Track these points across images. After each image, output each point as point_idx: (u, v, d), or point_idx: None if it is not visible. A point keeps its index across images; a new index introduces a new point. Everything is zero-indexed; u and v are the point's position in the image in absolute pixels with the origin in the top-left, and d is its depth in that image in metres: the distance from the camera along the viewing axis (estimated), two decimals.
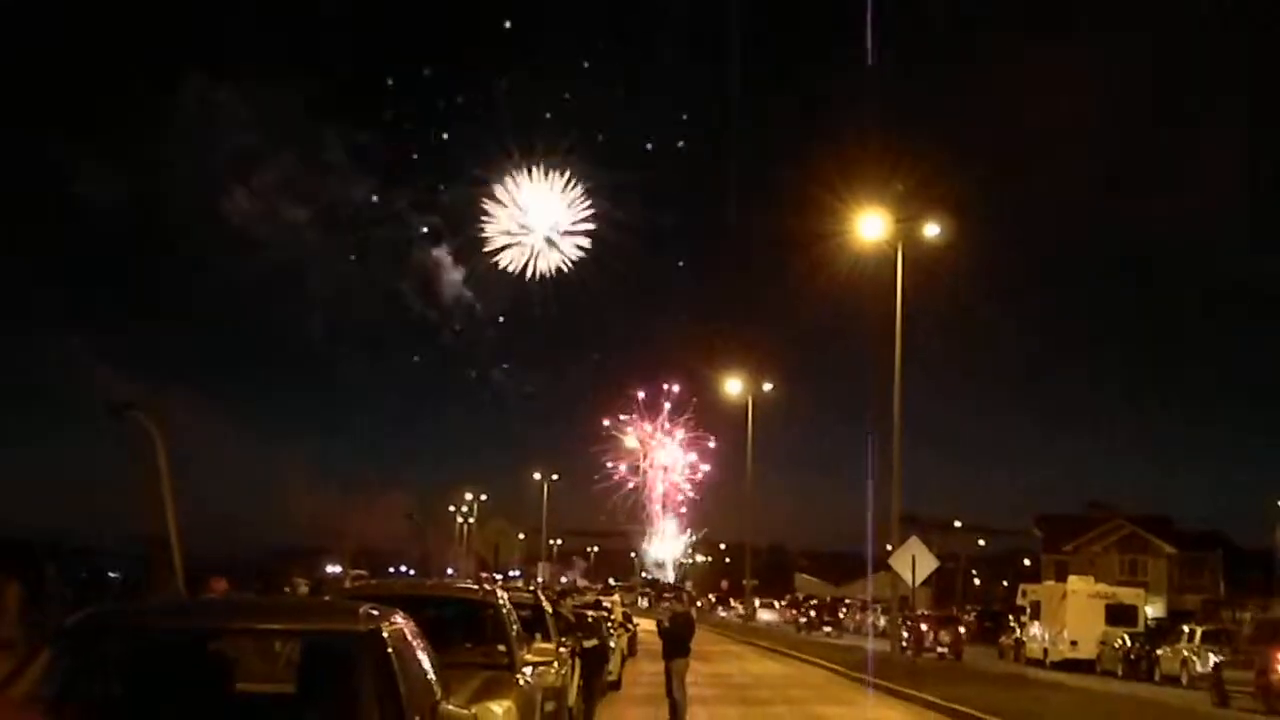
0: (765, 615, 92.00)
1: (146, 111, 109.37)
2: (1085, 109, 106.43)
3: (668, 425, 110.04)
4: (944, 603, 79.00)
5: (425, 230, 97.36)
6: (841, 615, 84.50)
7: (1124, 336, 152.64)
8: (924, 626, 50.91)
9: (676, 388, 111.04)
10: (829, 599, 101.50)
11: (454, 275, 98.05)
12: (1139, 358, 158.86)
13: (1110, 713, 26.98)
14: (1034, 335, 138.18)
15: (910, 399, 43.32)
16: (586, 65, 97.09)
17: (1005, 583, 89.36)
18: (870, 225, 42.68)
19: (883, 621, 51.96)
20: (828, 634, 74.17)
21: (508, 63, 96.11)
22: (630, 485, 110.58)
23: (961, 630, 42.35)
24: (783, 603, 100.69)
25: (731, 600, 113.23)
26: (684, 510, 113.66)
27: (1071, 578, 54.68)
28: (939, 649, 44.69)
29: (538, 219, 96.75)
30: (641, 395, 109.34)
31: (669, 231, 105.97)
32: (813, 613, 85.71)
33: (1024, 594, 53.45)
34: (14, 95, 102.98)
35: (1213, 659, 34.53)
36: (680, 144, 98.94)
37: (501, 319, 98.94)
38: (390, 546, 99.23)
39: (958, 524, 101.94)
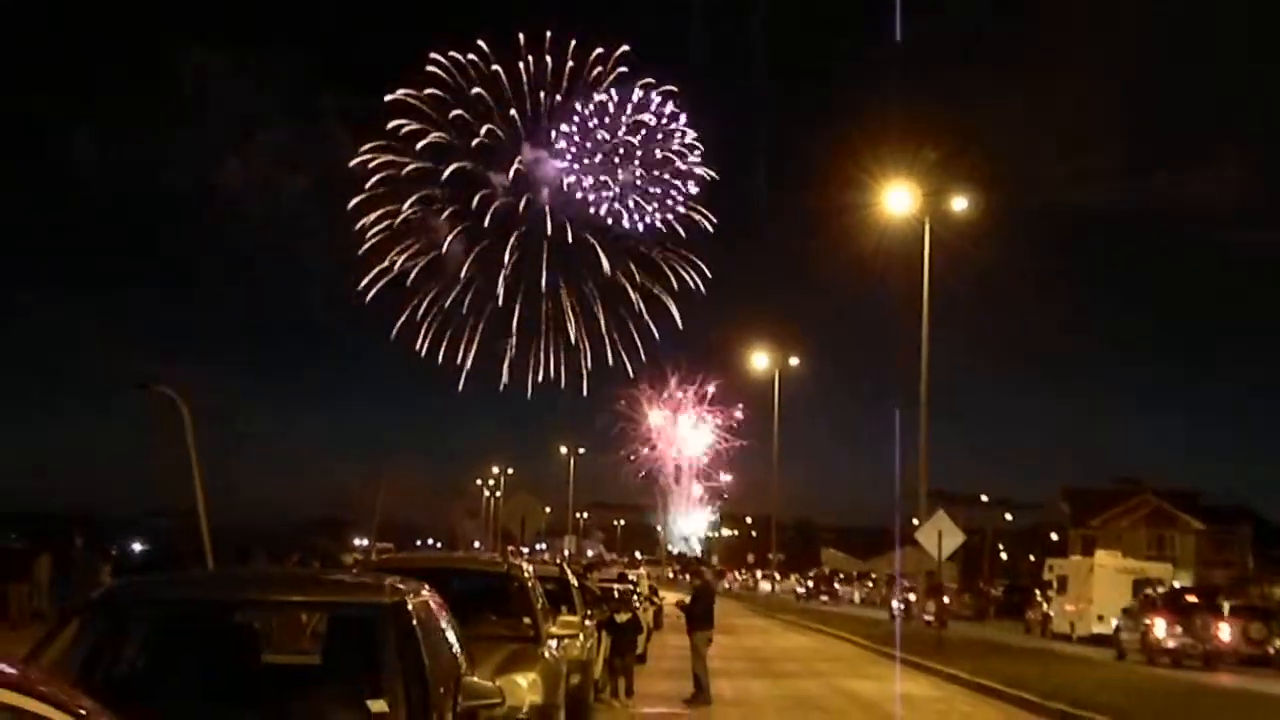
0: (765, 586, 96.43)
1: (158, 86, 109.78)
2: (1121, 71, 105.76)
3: (685, 398, 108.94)
4: (971, 577, 79.05)
5: (441, 203, 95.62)
6: (836, 586, 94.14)
7: (1153, 309, 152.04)
8: (912, 597, 51.39)
9: (696, 362, 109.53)
10: (855, 573, 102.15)
11: (460, 246, 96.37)
12: (1168, 331, 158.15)
13: (1136, 687, 26.92)
14: (1061, 308, 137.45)
15: (937, 372, 43.22)
16: (604, 40, 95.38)
17: (1032, 557, 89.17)
18: (898, 199, 42.49)
19: (912, 597, 52.23)
20: (824, 602, 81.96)
21: (524, 40, 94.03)
22: (642, 459, 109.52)
23: (946, 600, 43.15)
24: (809, 576, 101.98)
25: (733, 572, 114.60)
26: (707, 484, 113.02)
27: (1098, 552, 54.45)
28: (925, 617, 45.62)
29: (547, 187, 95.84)
30: (665, 371, 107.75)
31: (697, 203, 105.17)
32: (809, 583, 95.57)
33: (1050, 568, 53.26)
34: (13, 68, 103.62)
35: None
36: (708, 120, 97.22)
37: (527, 289, 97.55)
38: (417, 520, 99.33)
39: (984, 498, 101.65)
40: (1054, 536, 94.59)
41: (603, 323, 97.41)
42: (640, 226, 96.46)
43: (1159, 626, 37.66)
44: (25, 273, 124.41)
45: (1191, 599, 40.04)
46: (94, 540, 40.87)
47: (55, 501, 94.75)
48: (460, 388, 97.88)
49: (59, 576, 32.42)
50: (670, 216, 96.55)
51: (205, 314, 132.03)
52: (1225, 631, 37.54)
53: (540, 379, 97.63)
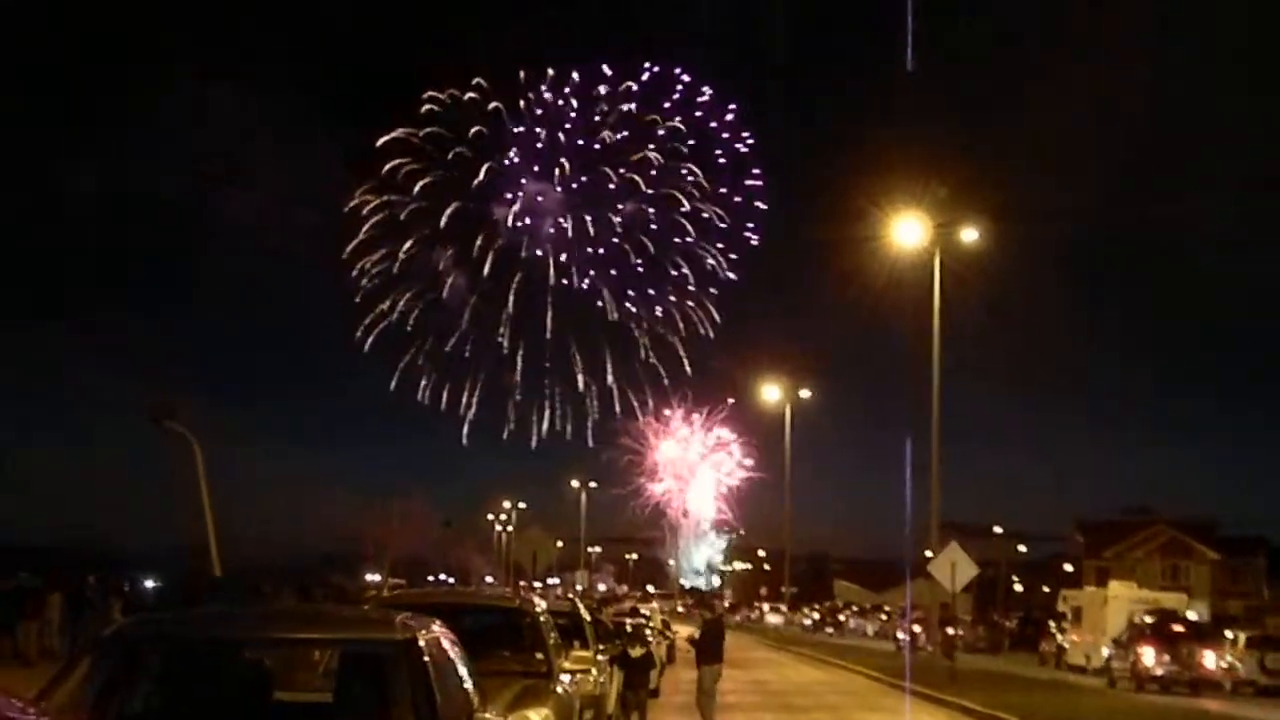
0: (772, 619, 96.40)
1: (156, 113, 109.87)
2: (1128, 107, 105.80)
3: (692, 431, 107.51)
4: (985, 608, 78.75)
5: (441, 244, 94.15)
6: (842, 619, 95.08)
7: (1166, 338, 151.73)
8: (917, 628, 51.87)
9: (704, 395, 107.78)
10: (868, 606, 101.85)
11: (461, 289, 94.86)
12: (1181, 360, 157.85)
13: (1148, 716, 26.83)
14: (1073, 338, 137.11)
15: (949, 404, 43.18)
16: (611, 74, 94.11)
17: (1046, 588, 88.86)
18: (908, 230, 42.53)
19: (917, 628, 52.26)
20: (829, 634, 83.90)
21: (524, 77, 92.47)
22: (650, 494, 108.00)
23: (950, 631, 43.61)
24: (814, 608, 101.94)
25: (738, 606, 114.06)
26: (718, 517, 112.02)
27: (1113, 583, 54.24)
28: (929, 648, 46.37)
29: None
30: (672, 404, 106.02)
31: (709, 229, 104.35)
32: (816, 616, 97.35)
33: (1065, 600, 53.06)
34: (11, 95, 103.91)
35: (1105, 652, 42.08)
36: (719, 152, 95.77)
37: (530, 333, 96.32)
38: (428, 555, 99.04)
39: (998, 530, 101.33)
40: (1068, 568, 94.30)
41: (609, 364, 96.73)
42: (642, 269, 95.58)
43: (1147, 655, 38.96)
44: (38, 305, 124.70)
45: (1178, 628, 40.91)
46: (106, 576, 40.90)
47: (66, 536, 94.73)
48: (465, 439, 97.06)
49: (72, 614, 32.43)
50: (678, 256, 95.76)
51: (213, 344, 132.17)
52: (1210, 659, 38.90)
53: (546, 425, 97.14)
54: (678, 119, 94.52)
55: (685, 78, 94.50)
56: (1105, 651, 42.46)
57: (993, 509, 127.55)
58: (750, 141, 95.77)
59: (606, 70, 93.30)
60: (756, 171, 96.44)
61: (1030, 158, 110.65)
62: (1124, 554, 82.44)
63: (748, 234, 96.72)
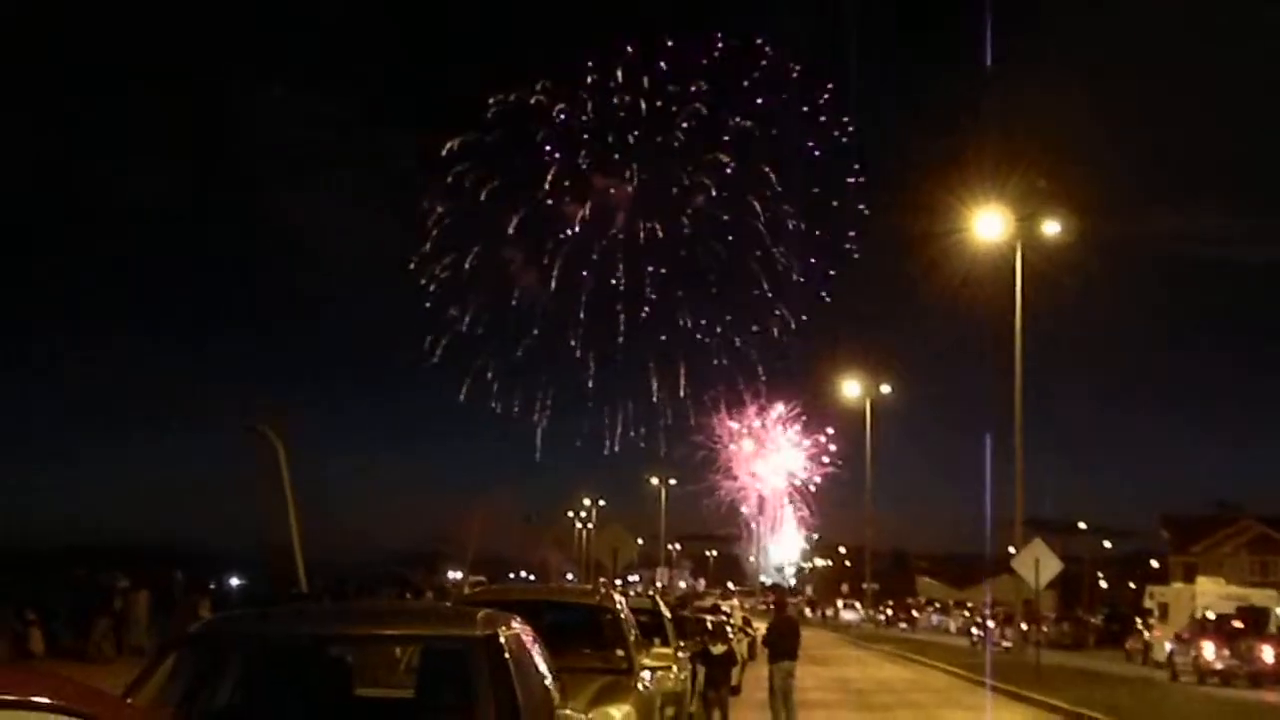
0: (848, 615, 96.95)
1: (235, 127, 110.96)
2: (1211, 99, 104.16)
3: (769, 428, 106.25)
4: (1070, 605, 77.98)
5: (511, 250, 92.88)
6: (916, 615, 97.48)
7: (1249, 331, 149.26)
8: (991, 624, 52.61)
9: (782, 390, 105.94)
10: (951, 602, 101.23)
11: (532, 295, 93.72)
12: (1264, 353, 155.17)
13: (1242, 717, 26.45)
14: (1156, 331, 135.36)
15: (1031, 398, 42.75)
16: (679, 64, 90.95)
17: (1132, 585, 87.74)
18: (989, 224, 42.12)
19: (991, 624, 52.24)
20: (902, 629, 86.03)
21: (590, 79, 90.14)
22: (728, 491, 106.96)
23: (1024, 627, 43.71)
24: (888, 604, 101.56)
25: (816, 603, 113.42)
26: (798, 514, 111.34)
27: (1200, 579, 53.52)
28: (1004, 644, 46.30)
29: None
30: (748, 401, 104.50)
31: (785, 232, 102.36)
32: (889, 612, 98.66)
33: (1151, 596, 52.44)
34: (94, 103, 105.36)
35: (1168, 646, 43.00)
36: (812, 144, 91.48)
37: (603, 340, 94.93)
38: (508, 552, 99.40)
39: (1082, 526, 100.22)
40: (1154, 564, 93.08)
41: (683, 368, 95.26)
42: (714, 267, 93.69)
43: (1208, 649, 39.66)
44: (111, 309, 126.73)
45: (1237, 624, 41.25)
46: (193, 575, 41.38)
47: (153, 535, 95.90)
48: (538, 445, 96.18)
49: (159, 612, 32.82)
50: (755, 265, 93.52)
51: (293, 348, 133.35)
52: (1268, 653, 39.06)
53: (619, 430, 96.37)
54: (759, 101, 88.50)
55: (769, 50, 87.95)
56: (1168, 646, 42.85)
57: (1077, 505, 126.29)
58: (851, 129, 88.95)
59: (669, 43, 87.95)
60: (857, 166, 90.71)
61: (1121, 149, 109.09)
62: (1211, 549, 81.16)
63: (848, 245, 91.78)
